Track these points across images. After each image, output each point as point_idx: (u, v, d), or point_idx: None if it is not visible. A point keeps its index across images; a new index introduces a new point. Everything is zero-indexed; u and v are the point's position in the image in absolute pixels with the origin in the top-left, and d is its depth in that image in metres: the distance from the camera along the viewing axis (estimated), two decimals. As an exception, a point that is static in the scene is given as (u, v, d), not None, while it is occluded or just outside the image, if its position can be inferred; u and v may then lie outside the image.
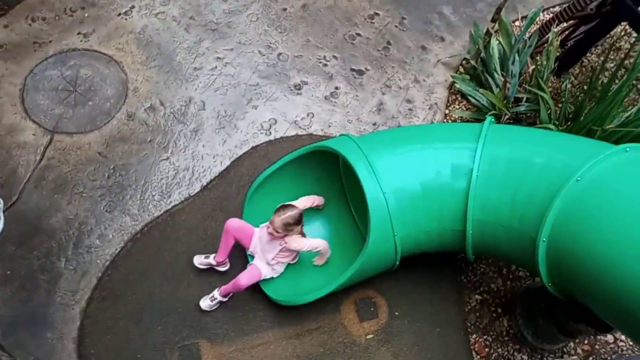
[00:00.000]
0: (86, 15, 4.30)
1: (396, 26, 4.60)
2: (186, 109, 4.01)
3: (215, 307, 3.30)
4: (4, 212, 3.42)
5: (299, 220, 3.10)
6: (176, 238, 3.50)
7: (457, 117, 4.10)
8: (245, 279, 3.16)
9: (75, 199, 3.55)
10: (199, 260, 3.38)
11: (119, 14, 4.34)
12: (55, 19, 4.25)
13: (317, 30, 4.50)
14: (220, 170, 3.81)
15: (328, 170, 3.61)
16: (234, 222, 3.23)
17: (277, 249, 3.19)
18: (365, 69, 4.34)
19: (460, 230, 2.99)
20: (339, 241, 3.58)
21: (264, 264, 3.25)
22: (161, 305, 3.29)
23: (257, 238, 3.25)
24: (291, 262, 3.37)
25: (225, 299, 3.30)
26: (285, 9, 4.57)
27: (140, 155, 3.76)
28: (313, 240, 3.33)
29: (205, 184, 3.75)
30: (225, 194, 3.71)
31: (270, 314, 3.33)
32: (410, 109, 4.19)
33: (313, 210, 3.58)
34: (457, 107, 4.16)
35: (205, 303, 3.28)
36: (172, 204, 3.63)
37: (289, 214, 3.05)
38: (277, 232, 3.06)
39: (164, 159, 3.77)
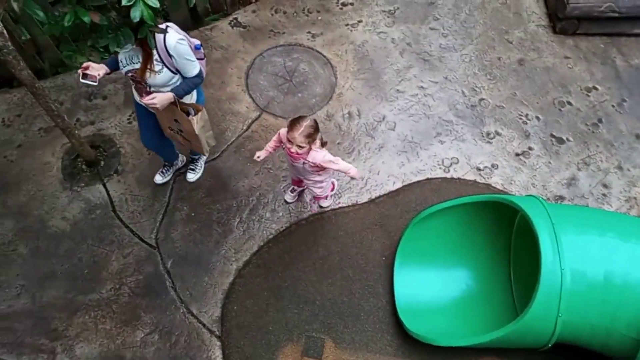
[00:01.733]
0: (319, 18, 4.78)
1: (613, 106, 4.32)
2: (378, 124, 4.21)
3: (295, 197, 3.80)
4: (205, 163, 3.94)
5: (317, 127, 2.93)
6: (334, 237, 3.70)
7: (657, 219, 3.70)
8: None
9: (262, 172, 3.94)
10: (291, 196, 3.79)
11: (347, 25, 4.74)
12: (293, 15, 4.79)
13: (527, 87, 4.42)
14: (390, 190, 3.93)
15: (497, 225, 3.52)
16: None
17: (307, 168, 3.13)
18: (567, 139, 4.14)
19: (633, 338, 2.71)
20: (486, 298, 3.47)
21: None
22: (303, 291, 3.49)
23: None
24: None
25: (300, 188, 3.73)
26: (500, 58, 4.57)
27: (326, 153, 4.05)
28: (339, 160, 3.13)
29: (373, 197, 3.89)
30: (389, 212, 3.82)
31: (397, 342, 3.33)
32: (604, 194, 3.88)
33: (464, 258, 3.52)
34: (661, 209, 3.76)
35: (288, 196, 3.80)
36: (340, 205, 3.84)
37: (306, 124, 2.85)
38: (301, 147, 2.90)
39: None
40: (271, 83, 4.39)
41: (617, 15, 4.54)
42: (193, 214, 3.78)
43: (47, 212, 3.77)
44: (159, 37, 2.75)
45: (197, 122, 3.10)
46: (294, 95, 4.31)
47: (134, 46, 2.75)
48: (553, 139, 4.14)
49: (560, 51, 4.65)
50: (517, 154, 4.07)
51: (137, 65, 2.84)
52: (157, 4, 2.06)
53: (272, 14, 4.81)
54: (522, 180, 3.94)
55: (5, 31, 2.84)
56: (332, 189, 3.76)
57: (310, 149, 2.97)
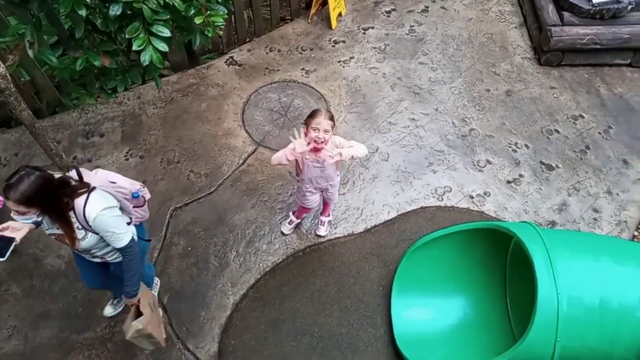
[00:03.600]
0: (312, 56, 4.94)
1: (600, 133, 4.43)
2: (371, 156, 4.29)
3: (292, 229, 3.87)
4: (201, 198, 3.98)
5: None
6: (331, 267, 3.70)
7: (649, 242, 3.75)
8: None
9: (259, 204, 3.98)
10: (288, 228, 3.85)
11: (339, 61, 4.89)
12: (287, 53, 4.95)
13: (515, 116, 4.54)
14: (385, 219, 3.97)
15: (492, 251, 3.54)
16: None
17: (330, 162, 3.11)
18: (556, 165, 4.22)
19: (633, 361, 2.70)
20: (484, 325, 3.46)
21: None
22: (301, 323, 3.47)
23: (310, 177, 3.30)
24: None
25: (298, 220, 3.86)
26: (488, 90, 4.71)
27: (321, 185, 4.11)
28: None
29: (369, 227, 3.93)
30: (384, 242, 3.84)
31: (396, 373, 3.30)
32: (595, 219, 3.94)
33: (461, 286, 3.53)
34: (652, 232, 3.81)
35: (285, 228, 3.85)
36: (336, 236, 3.87)
37: (324, 109, 3.05)
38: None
39: (340, 194, 4.06)
40: (267, 118, 4.49)
41: (599, 47, 4.73)
42: (189, 249, 3.78)
43: (42, 250, 3.76)
44: (79, 203, 2.38)
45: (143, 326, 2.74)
46: (289, 129, 4.39)
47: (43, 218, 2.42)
48: (543, 166, 4.23)
49: (546, 82, 4.81)
50: (509, 182, 4.14)
51: (59, 231, 2.48)
52: (166, 48, 2.15)
53: (267, 52, 4.96)
54: (514, 207, 4.00)
55: (8, 74, 2.92)
56: (329, 215, 3.84)
57: (332, 134, 3.07)
